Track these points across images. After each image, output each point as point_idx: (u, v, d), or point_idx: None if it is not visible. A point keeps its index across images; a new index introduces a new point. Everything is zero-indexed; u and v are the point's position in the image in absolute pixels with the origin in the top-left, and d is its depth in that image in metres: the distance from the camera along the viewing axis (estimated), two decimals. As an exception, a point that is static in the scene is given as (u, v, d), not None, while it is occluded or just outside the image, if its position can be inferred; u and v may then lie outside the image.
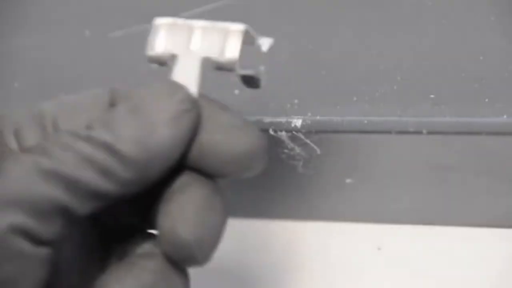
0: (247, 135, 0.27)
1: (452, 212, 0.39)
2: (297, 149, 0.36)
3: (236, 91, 0.37)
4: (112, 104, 0.30)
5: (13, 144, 0.28)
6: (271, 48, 0.32)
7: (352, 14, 0.39)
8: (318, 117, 0.34)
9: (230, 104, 0.31)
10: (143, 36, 0.41)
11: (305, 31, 0.38)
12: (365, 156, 0.36)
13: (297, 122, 0.34)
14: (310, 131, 0.34)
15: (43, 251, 0.25)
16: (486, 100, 0.33)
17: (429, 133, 0.33)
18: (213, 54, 0.29)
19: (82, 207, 0.25)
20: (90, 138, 0.25)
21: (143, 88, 0.28)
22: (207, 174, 0.27)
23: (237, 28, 0.30)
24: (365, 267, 0.39)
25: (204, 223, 0.26)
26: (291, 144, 0.35)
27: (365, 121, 0.34)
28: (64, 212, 0.25)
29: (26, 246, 0.24)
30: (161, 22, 0.31)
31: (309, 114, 0.35)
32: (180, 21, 0.31)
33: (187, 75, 0.29)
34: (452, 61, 0.35)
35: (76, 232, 0.28)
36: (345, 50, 0.37)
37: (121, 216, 0.29)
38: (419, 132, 0.33)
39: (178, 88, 0.27)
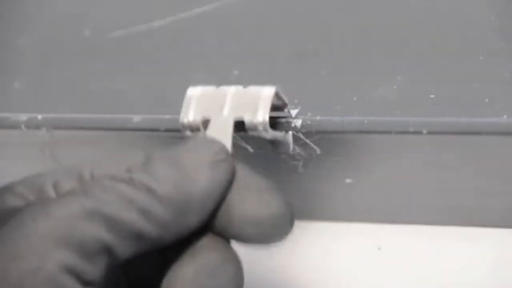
0: (275, 200, 0.28)
1: (452, 212, 0.39)
2: (297, 149, 0.36)
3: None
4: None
5: (53, 196, 0.29)
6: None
7: (352, 14, 0.39)
8: (318, 117, 0.34)
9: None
10: (143, 36, 0.41)
11: (305, 31, 0.38)
12: (365, 156, 0.36)
13: (297, 122, 0.34)
14: (310, 131, 0.34)
15: None
16: (486, 100, 0.33)
17: (429, 133, 0.33)
18: (245, 116, 0.31)
19: (123, 248, 0.25)
20: (130, 180, 0.26)
21: (180, 144, 0.29)
22: (229, 237, 0.28)
23: (268, 91, 0.32)
24: (365, 267, 0.39)
25: None
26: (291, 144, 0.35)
27: (365, 121, 0.34)
28: (107, 253, 0.25)
29: (75, 285, 0.24)
30: (193, 92, 0.33)
31: (309, 114, 0.35)
32: (212, 88, 0.32)
33: (220, 137, 0.30)
34: (452, 61, 0.35)
35: (109, 281, 0.28)
36: (345, 50, 0.37)
37: (143, 269, 0.30)
38: (419, 132, 0.33)
39: (214, 141, 0.29)
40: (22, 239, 0.24)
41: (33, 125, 0.39)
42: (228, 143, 0.30)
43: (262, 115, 0.31)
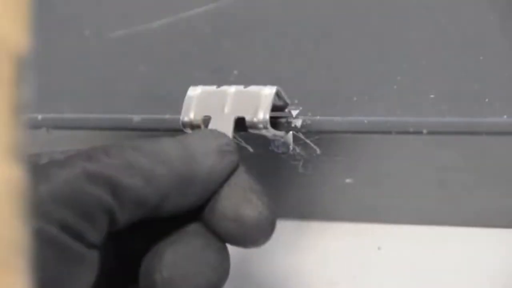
0: (259, 202, 0.28)
1: (452, 212, 0.39)
2: (297, 149, 0.36)
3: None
4: None
5: None
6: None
7: (352, 14, 0.39)
8: (318, 117, 0.34)
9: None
10: (143, 36, 0.41)
11: (305, 30, 0.38)
12: (365, 156, 0.36)
13: (297, 122, 0.34)
14: (310, 131, 0.34)
15: (94, 254, 0.25)
16: (486, 100, 0.33)
17: (429, 133, 0.33)
18: (246, 114, 0.31)
19: (124, 213, 0.25)
20: (136, 147, 0.26)
21: (187, 134, 0.29)
22: (212, 231, 0.28)
23: (268, 90, 0.32)
24: (365, 267, 0.39)
25: (181, 275, 0.27)
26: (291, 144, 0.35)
27: (365, 121, 0.34)
28: (108, 216, 0.25)
29: (77, 245, 0.24)
30: (194, 91, 0.33)
31: (309, 114, 0.35)
32: (212, 88, 0.33)
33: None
34: (452, 61, 0.35)
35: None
36: (345, 49, 0.37)
37: (132, 243, 0.30)
38: (419, 132, 0.33)
39: (223, 134, 0.29)
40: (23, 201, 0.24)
41: (32, 125, 0.39)
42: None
43: (262, 113, 0.31)
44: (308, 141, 0.34)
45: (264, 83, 0.33)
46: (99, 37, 0.42)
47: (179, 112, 0.33)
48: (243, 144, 0.35)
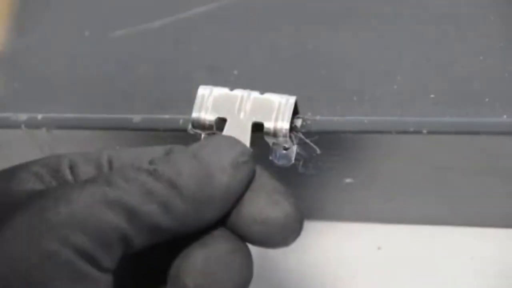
0: (286, 202, 0.28)
1: (452, 212, 0.39)
2: (297, 149, 0.35)
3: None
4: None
5: (69, 178, 0.29)
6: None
7: (352, 14, 0.39)
8: (318, 117, 0.34)
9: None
10: (143, 36, 0.41)
11: (305, 30, 0.38)
12: (365, 156, 0.36)
13: (297, 122, 0.34)
14: (310, 131, 0.34)
15: (107, 278, 0.25)
16: (486, 100, 0.33)
17: (429, 133, 0.33)
18: (265, 121, 0.31)
19: (140, 239, 0.26)
20: (154, 172, 0.26)
21: (203, 141, 0.29)
22: (239, 236, 0.28)
23: (290, 99, 0.32)
24: (365, 267, 0.39)
25: (212, 280, 0.27)
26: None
27: (365, 121, 0.34)
28: (124, 242, 0.25)
29: (92, 270, 0.24)
30: (205, 91, 0.33)
31: (309, 114, 0.35)
32: (225, 90, 0.33)
33: (237, 138, 0.30)
34: (452, 61, 0.35)
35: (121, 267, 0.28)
36: (345, 49, 0.37)
37: (155, 257, 0.30)
38: (419, 132, 0.33)
39: (238, 142, 0.29)
40: (42, 222, 0.24)
41: (33, 125, 0.39)
42: (246, 143, 0.30)
43: (285, 122, 0.32)
44: (308, 141, 0.34)
45: (264, 83, 0.33)
46: (99, 37, 0.42)
47: (179, 112, 0.33)
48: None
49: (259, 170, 0.29)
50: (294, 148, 0.34)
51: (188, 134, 0.34)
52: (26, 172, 0.28)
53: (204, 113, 0.32)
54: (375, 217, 0.40)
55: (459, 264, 0.38)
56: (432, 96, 0.34)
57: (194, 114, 0.32)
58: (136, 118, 0.37)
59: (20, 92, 0.41)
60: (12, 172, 0.28)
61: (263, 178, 0.29)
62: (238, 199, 0.28)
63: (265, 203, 0.28)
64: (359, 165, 0.37)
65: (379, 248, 0.39)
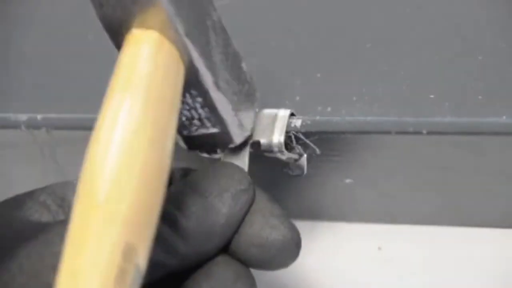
0: (282, 226, 0.29)
1: (452, 212, 0.39)
2: (297, 149, 0.35)
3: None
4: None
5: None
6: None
7: (352, 14, 0.39)
8: (318, 117, 0.34)
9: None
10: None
11: (305, 30, 0.38)
12: (365, 156, 0.36)
13: (297, 122, 0.34)
14: (310, 131, 0.34)
15: None
16: (486, 100, 0.33)
17: (429, 133, 0.33)
18: (261, 138, 0.32)
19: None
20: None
21: (205, 168, 0.29)
22: (238, 260, 0.29)
23: (283, 113, 0.32)
24: (365, 267, 0.39)
25: None
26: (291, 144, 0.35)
27: (365, 121, 0.34)
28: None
29: None
30: None
31: (309, 114, 0.35)
32: None
33: (236, 159, 0.31)
34: (452, 61, 0.35)
35: None
36: (345, 50, 0.37)
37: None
38: (419, 132, 0.33)
39: (237, 169, 0.29)
40: (46, 258, 0.24)
41: (33, 125, 0.39)
42: (245, 164, 0.31)
43: (277, 137, 0.32)
44: (308, 141, 0.34)
45: (264, 83, 0.33)
46: (98, 36, 0.42)
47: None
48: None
49: (257, 193, 0.30)
50: (304, 157, 0.34)
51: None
52: (33, 201, 0.29)
53: None
54: (375, 217, 0.40)
55: (459, 264, 0.38)
56: (432, 96, 0.34)
57: None
58: (136, 118, 0.37)
59: (20, 92, 0.41)
60: (19, 200, 0.29)
61: (261, 202, 0.30)
62: (238, 226, 0.28)
63: (262, 227, 0.28)
64: (359, 165, 0.37)
65: (379, 248, 0.39)
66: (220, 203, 0.28)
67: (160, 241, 0.26)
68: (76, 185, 0.29)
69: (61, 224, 0.26)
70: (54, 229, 0.26)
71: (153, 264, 0.26)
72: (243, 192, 0.28)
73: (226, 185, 0.28)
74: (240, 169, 0.29)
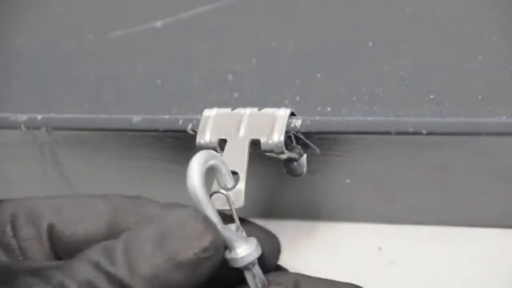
0: (275, 245, 0.30)
1: (452, 212, 0.39)
2: (297, 149, 0.35)
3: (236, 94, 0.37)
4: (114, 223, 0.30)
5: (13, 244, 0.29)
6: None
7: (352, 14, 0.39)
8: (318, 117, 0.34)
9: (228, 105, 0.31)
10: (143, 36, 0.41)
11: (305, 31, 0.38)
12: (365, 156, 0.36)
13: (297, 122, 0.34)
14: (309, 131, 0.34)
15: None
16: (486, 100, 0.33)
17: (429, 133, 0.33)
18: (261, 137, 0.32)
19: None
20: (109, 275, 0.26)
21: (178, 217, 0.28)
22: None
23: (283, 113, 0.32)
24: (365, 267, 0.39)
25: None
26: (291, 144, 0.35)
27: (365, 121, 0.34)
28: None
29: None
30: (209, 113, 0.33)
31: (309, 114, 0.35)
32: (227, 110, 0.33)
33: (236, 158, 0.31)
34: (452, 61, 0.35)
35: None
36: (345, 50, 0.37)
37: None
38: (419, 132, 0.33)
39: (208, 230, 0.27)
40: None
41: (32, 125, 0.39)
42: (244, 163, 0.31)
43: (277, 136, 0.32)
44: (308, 141, 0.34)
45: (264, 83, 0.33)
46: (99, 37, 0.42)
47: (178, 112, 0.33)
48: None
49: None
50: (304, 157, 0.34)
51: (188, 135, 0.34)
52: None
53: (207, 136, 0.32)
54: (375, 217, 0.40)
55: (459, 264, 0.38)
56: (432, 96, 0.34)
57: (198, 138, 0.33)
58: (136, 118, 0.37)
59: (20, 92, 0.41)
60: None
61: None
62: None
63: None
64: (359, 165, 0.37)
65: (379, 248, 0.39)
66: (177, 268, 0.27)
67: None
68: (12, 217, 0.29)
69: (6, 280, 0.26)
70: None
71: None
72: (206, 260, 0.27)
73: (189, 250, 0.27)
74: (211, 231, 0.28)
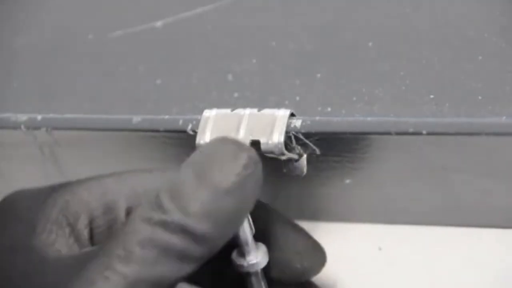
0: (319, 259, 0.31)
1: (452, 212, 0.39)
2: (297, 149, 0.35)
3: (236, 94, 0.37)
4: None
5: (86, 235, 0.30)
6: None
7: (352, 14, 0.39)
8: (318, 117, 0.34)
9: (228, 105, 0.31)
10: (144, 36, 0.41)
11: (305, 31, 0.38)
12: (365, 156, 0.36)
13: (297, 122, 0.34)
14: (310, 131, 0.34)
15: None
16: (486, 100, 0.33)
17: (429, 133, 0.33)
18: (261, 138, 0.32)
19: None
20: (165, 224, 0.26)
21: (207, 149, 0.28)
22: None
23: (283, 113, 0.32)
24: (365, 267, 0.39)
25: None
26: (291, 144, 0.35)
27: (365, 121, 0.34)
28: None
29: None
30: (209, 114, 0.33)
31: (309, 114, 0.35)
32: (227, 111, 0.33)
33: None
34: (452, 61, 0.35)
35: None
36: (345, 50, 0.37)
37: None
38: (419, 132, 0.33)
39: (241, 149, 0.28)
40: None
41: (32, 126, 0.39)
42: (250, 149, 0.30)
43: (277, 137, 0.32)
44: (308, 141, 0.34)
45: (264, 83, 0.33)
46: (99, 37, 0.42)
47: (178, 112, 0.33)
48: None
49: (283, 224, 0.32)
50: (304, 158, 0.34)
51: (188, 135, 0.34)
52: (45, 219, 0.28)
53: (207, 136, 0.32)
54: (375, 217, 0.40)
55: (459, 264, 0.38)
56: (432, 96, 0.34)
57: (198, 138, 0.33)
58: (136, 118, 0.37)
59: (20, 92, 0.41)
60: (30, 219, 0.28)
61: (293, 235, 0.32)
62: (249, 209, 0.28)
63: (291, 256, 0.31)
64: (359, 165, 0.37)
65: (379, 248, 0.39)
66: (227, 195, 0.27)
67: (175, 256, 0.26)
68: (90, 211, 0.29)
69: (77, 278, 0.26)
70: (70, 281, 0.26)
71: (174, 279, 0.26)
72: (250, 177, 0.27)
73: (230, 172, 0.27)
74: (244, 149, 0.28)
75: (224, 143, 0.28)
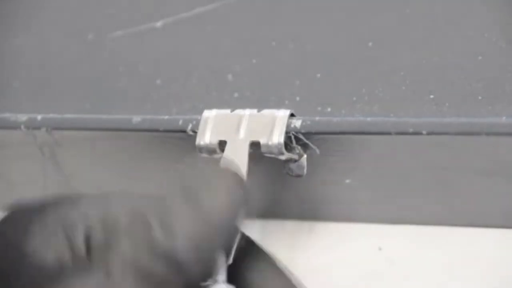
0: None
1: (452, 212, 0.39)
2: (297, 149, 0.35)
3: (236, 94, 0.37)
4: None
5: (82, 247, 0.29)
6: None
7: (352, 14, 0.39)
8: (317, 118, 0.34)
9: (228, 105, 0.31)
10: (143, 36, 0.41)
11: (305, 31, 0.38)
12: (365, 156, 0.36)
13: (297, 122, 0.34)
14: (309, 131, 0.34)
15: None
16: (486, 100, 0.33)
17: (429, 133, 0.33)
18: (261, 138, 0.32)
19: None
20: (151, 251, 0.26)
21: (196, 169, 0.28)
22: None
23: (283, 114, 0.32)
24: (365, 267, 0.39)
25: None
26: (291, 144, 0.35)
27: (365, 121, 0.34)
28: None
29: None
30: (209, 114, 0.33)
31: (309, 114, 0.35)
32: (227, 111, 0.33)
33: (236, 159, 0.31)
34: (452, 61, 0.35)
35: None
36: (345, 50, 0.37)
37: None
38: (419, 132, 0.33)
39: (236, 179, 0.27)
40: None
41: (32, 126, 0.39)
42: (244, 164, 0.31)
43: (277, 137, 0.32)
44: (308, 141, 0.34)
45: (264, 83, 0.33)
46: (99, 37, 0.42)
47: (178, 112, 0.33)
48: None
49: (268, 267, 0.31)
50: (304, 158, 0.34)
51: (188, 135, 0.34)
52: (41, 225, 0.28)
53: (207, 137, 0.32)
54: (375, 217, 0.40)
55: (459, 264, 0.38)
56: (432, 96, 0.34)
57: (198, 139, 0.33)
58: (136, 118, 0.37)
59: (20, 92, 0.41)
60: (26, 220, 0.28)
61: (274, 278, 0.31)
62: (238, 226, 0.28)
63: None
64: (359, 165, 0.37)
65: (379, 248, 0.39)
66: (216, 218, 0.26)
67: (156, 283, 0.26)
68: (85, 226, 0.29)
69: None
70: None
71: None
72: (238, 198, 0.27)
73: (221, 194, 0.27)
74: (232, 173, 0.28)
75: (215, 169, 0.28)
